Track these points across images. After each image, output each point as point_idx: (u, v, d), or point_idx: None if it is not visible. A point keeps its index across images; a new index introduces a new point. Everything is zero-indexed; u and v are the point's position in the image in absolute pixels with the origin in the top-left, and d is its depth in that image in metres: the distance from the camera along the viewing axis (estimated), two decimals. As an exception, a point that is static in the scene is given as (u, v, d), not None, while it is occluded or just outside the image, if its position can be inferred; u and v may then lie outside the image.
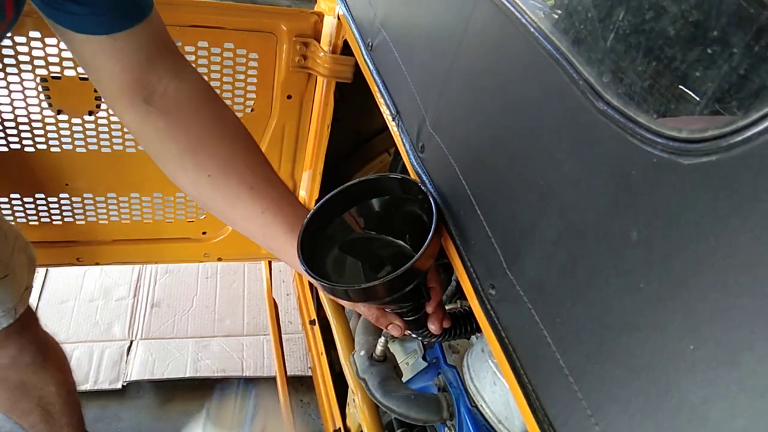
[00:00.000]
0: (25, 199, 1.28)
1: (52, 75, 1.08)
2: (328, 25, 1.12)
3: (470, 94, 0.61)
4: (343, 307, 1.33)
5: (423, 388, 1.00)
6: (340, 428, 1.23)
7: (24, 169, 1.22)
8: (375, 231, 0.78)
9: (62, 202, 1.31)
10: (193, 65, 1.11)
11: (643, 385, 0.39)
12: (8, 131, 1.15)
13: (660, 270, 0.38)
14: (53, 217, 1.34)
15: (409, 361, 1.12)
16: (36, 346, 1.17)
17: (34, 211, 1.31)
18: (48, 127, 1.16)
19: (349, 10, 1.00)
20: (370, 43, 0.88)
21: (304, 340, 1.96)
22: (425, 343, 1.07)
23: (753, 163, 0.32)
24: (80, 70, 1.07)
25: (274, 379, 1.73)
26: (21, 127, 1.15)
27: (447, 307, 0.96)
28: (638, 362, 0.39)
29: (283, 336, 1.67)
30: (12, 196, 1.26)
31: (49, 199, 1.30)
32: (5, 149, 1.17)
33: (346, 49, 1.12)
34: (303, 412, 1.84)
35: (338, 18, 1.07)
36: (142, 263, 1.95)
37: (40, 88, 1.09)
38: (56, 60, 1.06)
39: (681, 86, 0.37)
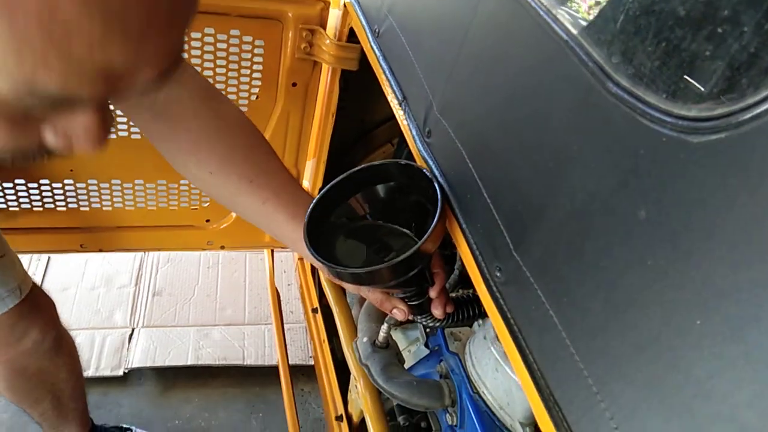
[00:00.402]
0: (30, 185, 1.28)
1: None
2: (334, 13, 1.12)
3: (478, 78, 0.61)
4: (345, 296, 1.34)
5: (425, 375, 1.01)
6: (341, 415, 1.23)
7: (29, 154, 1.22)
8: (380, 217, 0.79)
9: (67, 188, 1.31)
10: (199, 51, 1.12)
11: (648, 361, 0.40)
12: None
13: (668, 247, 0.38)
14: (57, 204, 1.34)
15: (411, 349, 1.12)
16: (56, 332, 1.18)
17: (38, 197, 1.31)
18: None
19: (356, -2, 1.01)
20: (377, 30, 0.89)
21: (304, 329, 1.97)
22: (428, 327, 1.08)
23: (762, 140, 0.33)
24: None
25: (274, 368, 1.74)
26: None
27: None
28: (644, 338, 0.40)
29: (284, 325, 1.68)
30: (17, 181, 1.26)
31: (54, 185, 1.30)
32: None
33: (352, 38, 1.12)
34: (303, 401, 1.85)
35: (344, 6, 1.08)
36: (145, 250, 1.96)
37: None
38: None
39: (691, 65, 0.38)
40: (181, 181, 1.38)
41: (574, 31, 0.48)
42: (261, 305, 2.01)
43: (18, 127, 0.38)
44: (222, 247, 1.57)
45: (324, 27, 1.15)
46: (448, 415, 0.94)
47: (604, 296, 0.43)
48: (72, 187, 1.32)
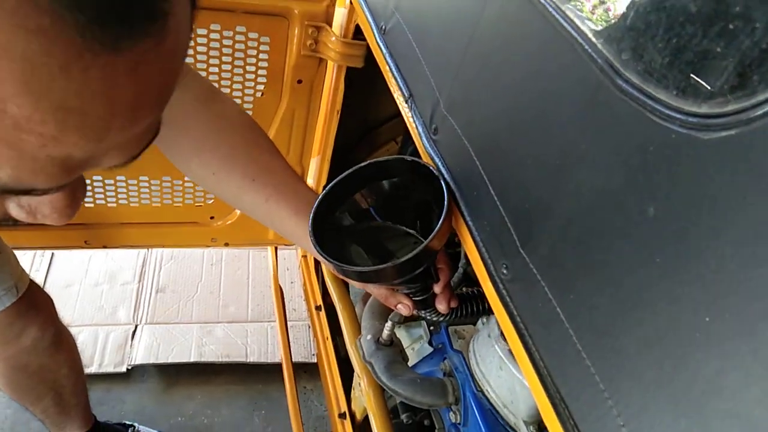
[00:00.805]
0: (35, 180, 1.28)
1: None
2: (340, 10, 1.12)
3: (486, 75, 0.61)
4: (348, 293, 1.34)
5: (429, 372, 1.01)
6: (345, 412, 1.23)
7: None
8: (384, 213, 0.79)
9: (71, 184, 1.31)
10: (205, 48, 1.12)
11: (656, 358, 0.39)
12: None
13: (676, 244, 0.38)
14: (62, 199, 1.34)
15: (414, 347, 1.12)
16: (54, 329, 1.18)
17: (42, 193, 1.31)
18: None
19: (362, -5, 1.00)
20: (384, 27, 0.88)
21: (307, 327, 1.97)
22: (432, 323, 1.08)
23: (773, 137, 0.33)
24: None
25: (277, 365, 1.74)
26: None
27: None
28: (652, 336, 0.40)
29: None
30: (21, 176, 1.26)
31: (59, 181, 1.30)
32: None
33: (357, 36, 1.12)
34: (306, 398, 1.86)
35: (350, 3, 1.07)
36: (149, 247, 1.96)
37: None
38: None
39: (702, 62, 0.37)
40: (186, 178, 1.38)
41: (583, 28, 0.48)
42: (264, 302, 2.02)
43: None
44: (226, 244, 1.57)
45: (330, 24, 1.15)
46: (451, 413, 0.94)
47: (611, 293, 0.43)
48: (76, 183, 1.31)
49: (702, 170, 0.37)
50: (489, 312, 0.90)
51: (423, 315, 0.83)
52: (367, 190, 0.77)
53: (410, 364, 1.05)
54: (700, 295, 0.37)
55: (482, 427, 0.87)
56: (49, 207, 0.37)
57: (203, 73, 1.18)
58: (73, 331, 1.30)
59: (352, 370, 1.18)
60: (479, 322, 0.97)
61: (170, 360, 1.80)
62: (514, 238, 0.55)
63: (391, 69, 0.84)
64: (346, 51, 1.14)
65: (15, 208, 0.38)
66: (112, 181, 1.33)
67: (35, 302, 1.11)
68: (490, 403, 0.88)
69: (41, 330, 1.14)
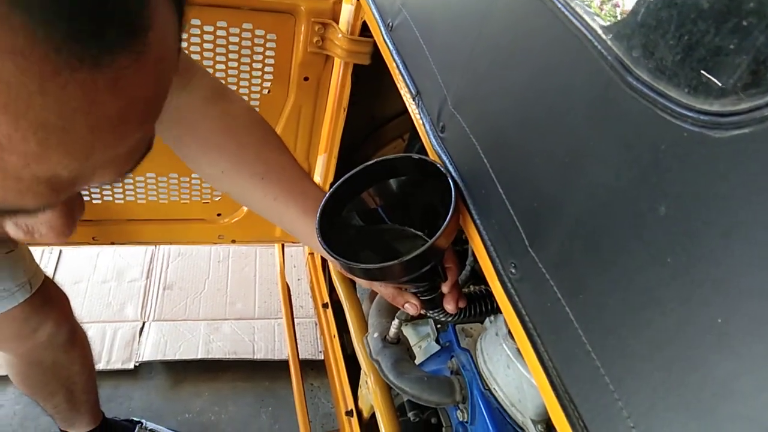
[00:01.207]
0: (43, 178, 1.28)
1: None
2: (347, 7, 1.11)
3: (494, 72, 0.61)
4: (355, 291, 1.34)
5: (436, 371, 1.01)
6: (352, 410, 1.23)
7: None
8: (391, 212, 0.78)
9: (79, 181, 1.32)
10: (212, 44, 1.12)
11: (667, 359, 0.39)
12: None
13: (688, 244, 0.38)
14: (70, 196, 1.34)
15: (421, 345, 1.12)
16: (69, 325, 1.19)
17: (51, 190, 1.31)
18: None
19: (369, -8, 1.00)
20: (390, 24, 0.88)
21: (314, 324, 1.97)
22: (440, 322, 1.08)
23: (788, 135, 0.32)
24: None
25: (284, 362, 1.75)
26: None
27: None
28: (663, 337, 0.39)
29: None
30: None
31: (66, 178, 1.30)
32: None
33: (364, 33, 1.11)
34: (313, 396, 1.86)
35: (357, 0, 1.07)
36: (157, 243, 1.96)
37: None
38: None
39: (714, 59, 0.37)
40: (193, 175, 1.38)
41: (593, 24, 0.47)
42: (271, 300, 2.02)
43: None
44: (233, 241, 1.57)
45: (336, 21, 1.15)
46: (458, 411, 0.94)
47: (621, 293, 0.43)
48: (84, 180, 1.32)
49: (714, 169, 0.36)
50: (497, 311, 0.89)
51: (431, 315, 0.83)
52: (374, 188, 0.76)
53: (417, 362, 1.05)
54: (712, 296, 0.36)
55: (490, 426, 0.87)
56: (45, 226, 0.37)
57: (210, 71, 1.17)
58: (81, 327, 1.31)
59: (359, 368, 1.18)
60: (487, 320, 0.96)
61: (177, 357, 1.80)
62: (522, 237, 0.54)
63: (398, 66, 0.84)
64: (352, 48, 1.13)
65: (12, 228, 0.37)
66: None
67: (50, 298, 1.12)
68: (498, 402, 0.88)
69: (57, 326, 1.14)
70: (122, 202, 1.39)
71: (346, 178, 0.74)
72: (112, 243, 1.49)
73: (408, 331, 1.14)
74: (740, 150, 0.35)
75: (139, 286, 1.99)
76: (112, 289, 1.96)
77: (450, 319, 0.85)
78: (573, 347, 0.47)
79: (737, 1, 0.36)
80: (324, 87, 1.27)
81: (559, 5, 0.50)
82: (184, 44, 1.12)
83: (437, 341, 1.08)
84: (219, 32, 1.12)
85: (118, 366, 1.77)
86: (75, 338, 1.23)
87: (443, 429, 1.01)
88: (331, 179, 1.39)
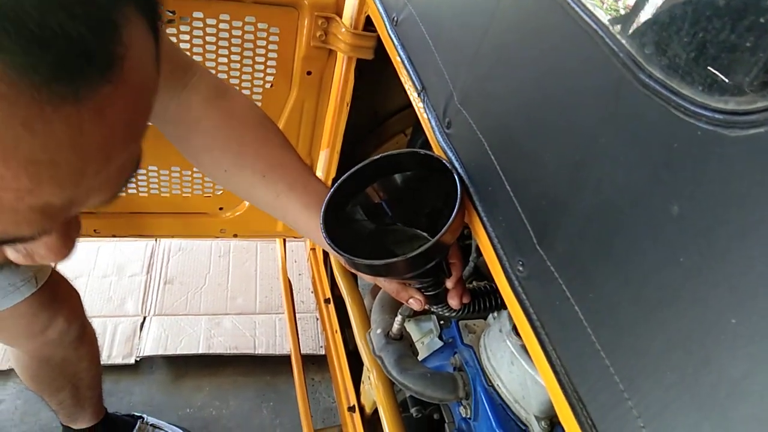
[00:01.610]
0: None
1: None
2: (351, 1, 1.11)
3: (502, 68, 0.60)
4: (357, 286, 1.34)
5: (439, 367, 1.00)
6: (354, 406, 1.23)
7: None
8: (396, 208, 0.78)
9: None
10: (214, 38, 1.12)
11: (679, 359, 0.39)
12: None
13: (702, 243, 0.37)
14: (71, 189, 1.34)
15: (424, 341, 1.12)
16: (80, 322, 1.18)
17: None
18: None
19: (373, -14, 0.99)
20: (395, 18, 0.87)
21: (315, 319, 1.97)
22: (444, 318, 1.08)
23: (805, 135, 0.32)
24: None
25: (285, 357, 1.75)
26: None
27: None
28: (675, 336, 0.39)
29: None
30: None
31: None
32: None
33: (368, 27, 1.11)
34: (314, 390, 1.86)
35: (361, -6, 1.07)
36: (159, 236, 1.96)
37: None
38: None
39: (730, 57, 0.36)
40: (195, 169, 1.38)
41: (604, 20, 0.47)
42: (272, 295, 2.02)
43: None
44: (235, 236, 1.57)
45: (340, 15, 1.14)
46: (461, 407, 0.94)
47: (633, 293, 0.43)
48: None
49: (729, 168, 0.36)
50: (500, 307, 0.89)
51: (435, 310, 0.83)
52: (379, 183, 0.76)
53: (420, 358, 1.05)
54: (726, 296, 0.36)
55: (493, 422, 0.87)
56: (44, 248, 0.38)
57: (212, 64, 1.17)
58: (83, 322, 1.31)
59: (361, 363, 1.18)
60: (490, 316, 0.96)
61: (178, 351, 1.80)
62: (530, 234, 0.54)
63: (403, 61, 0.83)
64: (356, 42, 1.13)
65: (12, 253, 0.38)
66: (121, 172, 1.33)
67: (60, 294, 1.11)
68: (501, 398, 0.88)
69: (67, 322, 1.14)
70: (124, 194, 1.38)
71: (351, 173, 0.74)
72: (114, 236, 1.48)
73: (411, 327, 1.14)
74: (756, 149, 0.34)
75: (140, 281, 1.98)
76: (113, 284, 1.96)
77: (454, 314, 0.85)
78: (582, 346, 0.47)
79: (754, -3, 0.35)
80: (327, 82, 1.26)
81: (569, 0, 0.50)
82: (186, 38, 1.11)
83: (440, 337, 1.08)
84: (222, 26, 1.11)
85: (118, 361, 1.77)
86: (84, 335, 1.23)
87: (446, 425, 1.01)
88: (333, 174, 1.39)
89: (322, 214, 0.70)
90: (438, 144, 0.73)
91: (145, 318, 1.87)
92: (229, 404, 1.78)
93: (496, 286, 0.86)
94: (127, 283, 1.97)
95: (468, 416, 0.93)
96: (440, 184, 0.70)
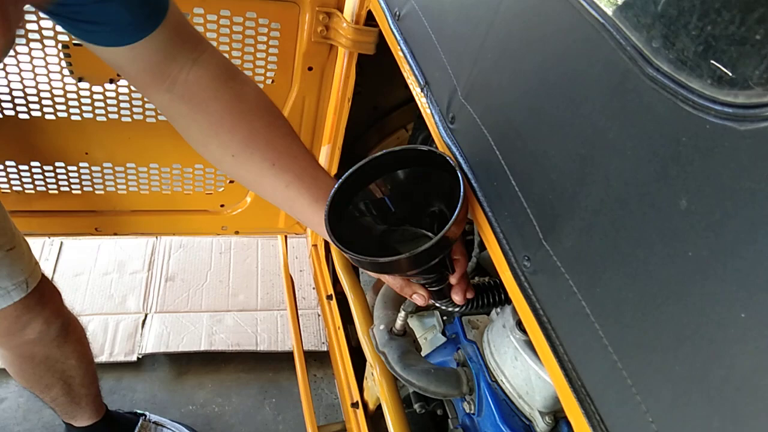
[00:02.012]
0: (45, 167, 1.28)
1: (74, 42, 1.07)
2: (352, -4, 1.10)
3: (507, 63, 0.60)
4: (360, 282, 1.33)
5: (442, 362, 1.00)
6: (357, 402, 1.23)
7: (44, 136, 1.22)
8: (399, 204, 0.78)
9: (81, 171, 1.31)
10: (215, 34, 1.11)
11: (688, 354, 0.39)
12: (29, 98, 1.14)
13: (711, 238, 0.37)
14: (72, 186, 1.34)
15: (427, 336, 1.12)
16: (61, 320, 1.18)
17: (53, 180, 1.31)
18: (69, 95, 1.16)
19: (374, -19, 0.99)
20: (398, 13, 0.87)
21: (316, 316, 1.97)
22: (447, 313, 1.08)
23: (817, 127, 0.31)
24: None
25: (287, 353, 1.74)
26: (42, 95, 1.15)
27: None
28: (684, 331, 0.39)
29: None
30: (32, 163, 1.26)
31: (69, 168, 1.30)
32: (26, 116, 1.17)
33: (369, 22, 1.10)
34: (316, 387, 1.86)
35: (363, -12, 1.06)
36: (160, 234, 1.96)
37: (61, 55, 1.09)
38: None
39: (739, 50, 0.36)
40: (196, 166, 1.38)
41: (610, 13, 0.46)
42: (273, 291, 2.01)
43: None
44: (236, 233, 1.57)
45: (341, 10, 1.14)
46: (465, 403, 0.94)
47: (641, 287, 0.42)
48: (87, 170, 1.31)
49: (738, 162, 0.36)
50: (504, 303, 0.89)
51: (438, 305, 0.83)
52: (383, 179, 0.76)
53: (423, 354, 1.05)
54: (735, 291, 0.36)
55: (496, 417, 0.87)
56: None
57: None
58: (82, 320, 1.30)
59: (364, 360, 1.18)
60: (493, 312, 0.96)
61: (180, 349, 1.80)
62: (536, 229, 0.54)
63: (405, 56, 0.83)
64: (357, 38, 1.12)
65: None
66: (122, 168, 1.33)
67: (43, 296, 1.11)
68: (505, 394, 0.88)
69: (46, 323, 1.13)
70: (125, 192, 1.38)
71: (355, 169, 0.73)
72: (115, 234, 1.48)
73: (414, 323, 1.14)
74: (766, 143, 0.34)
75: (141, 278, 1.98)
76: (114, 282, 1.96)
77: (457, 309, 0.85)
78: (589, 341, 0.47)
79: (764, -11, 0.35)
80: (328, 77, 1.26)
81: (575, -6, 0.49)
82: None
83: (443, 333, 1.08)
84: (222, 21, 1.11)
85: (120, 358, 1.76)
86: (68, 333, 1.21)
87: (449, 421, 1.01)
88: (335, 170, 1.38)
89: (326, 210, 0.70)
90: (442, 139, 0.73)
91: (146, 315, 1.87)
92: (231, 401, 1.78)
93: (500, 281, 0.86)
94: (129, 281, 1.97)
95: (472, 412, 0.93)
96: (443, 180, 0.69)
